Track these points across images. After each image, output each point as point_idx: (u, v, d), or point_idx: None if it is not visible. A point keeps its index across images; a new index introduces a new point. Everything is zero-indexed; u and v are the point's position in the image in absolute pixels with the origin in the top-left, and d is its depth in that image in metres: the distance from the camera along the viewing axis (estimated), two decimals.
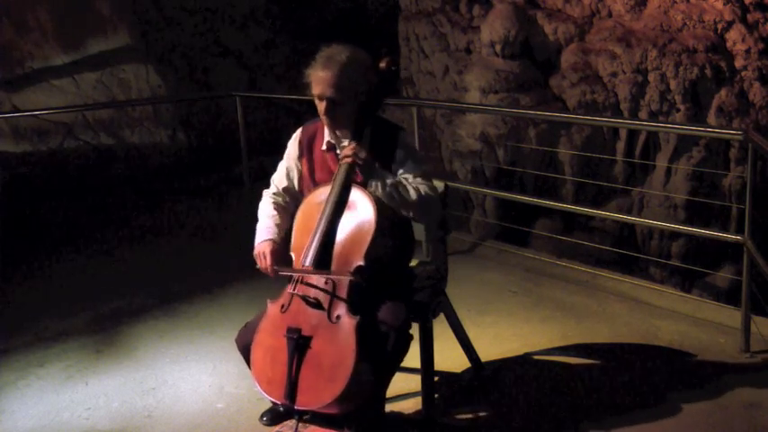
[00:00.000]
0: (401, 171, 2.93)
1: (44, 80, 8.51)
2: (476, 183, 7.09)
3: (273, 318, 2.81)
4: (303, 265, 2.80)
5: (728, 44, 6.78)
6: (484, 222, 6.97)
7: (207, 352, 4.04)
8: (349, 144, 2.87)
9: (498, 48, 7.30)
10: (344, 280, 2.74)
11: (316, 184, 3.03)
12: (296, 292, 2.79)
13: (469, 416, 3.25)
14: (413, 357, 2.96)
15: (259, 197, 3.22)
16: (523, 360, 3.74)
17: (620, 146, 6.93)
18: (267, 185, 3.24)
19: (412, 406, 3.28)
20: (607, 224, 6.92)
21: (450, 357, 3.61)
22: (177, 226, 6.76)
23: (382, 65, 3.01)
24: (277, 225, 3.06)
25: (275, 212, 3.10)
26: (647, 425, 3.10)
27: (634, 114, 6.82)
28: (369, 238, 2.76)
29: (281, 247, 2.95)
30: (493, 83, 7.17)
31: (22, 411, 3.56)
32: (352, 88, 2.86)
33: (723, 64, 6.68)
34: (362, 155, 2.81)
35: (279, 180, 3.18)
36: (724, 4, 6.80)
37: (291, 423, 2.88)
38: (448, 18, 7.90)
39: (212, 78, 9.76)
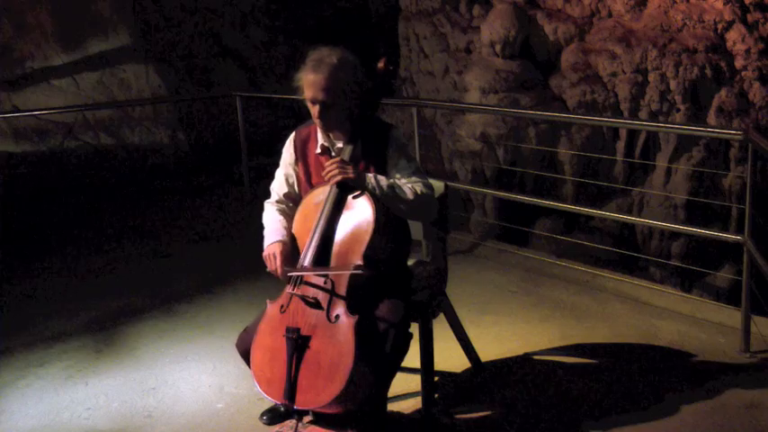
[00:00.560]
0: (395, 170, 2.93)
1: (44, 80, 8.50)
2: (476, 183, 7.09)
3: (273, 318, 2.81)
4: (302, 265, 2.80)
5: (728, 44, 6.78)
6: (484, 222, 6.97)
7: (207, 352, 4.04)
8: (331, 161, 2.84)
9: (498, 48, 7.30)
10: (346, 275, 2.74)
11: (313, 188, 3.02)
12: (295, 291, 2.79)
13: (469, 416, 3.25)
14: (413, 357, 2.96)
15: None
16: (523, 360, 3.74)
17: (620, 146, 6.93)
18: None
19: (412, 406, 3.28)
20: (607, 224, 6.92)
21: (450, 357, 3.61)
22: (177, 226, 6.77)
23: (380, 65, 3.01)
24: (285, 228, 3.04)
25: (281, 217, 3.08)
26: (647, 425, 3.10)
27: (634, 114, 6.82)
28: (367, 238, 2.76)
29: (290, 249, 2.94)
30: (493, 83, 7.17)
31: (22, 411, 3.56)
32: (344, 90, 2.86)
33: (723, 64, 6.68)
34: (350, 170, 2.80)
35: (279, 187, 3.17)
36: (724, 4, 6.80)
37: (291, 423, 2.89)
38: (448, 18, 7.90)
39: (212, 78, 9.76)
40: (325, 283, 2.76)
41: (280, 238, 2.99)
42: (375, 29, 10.32)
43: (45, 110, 8.09)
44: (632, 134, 6.90)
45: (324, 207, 2.84)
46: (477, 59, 7.48)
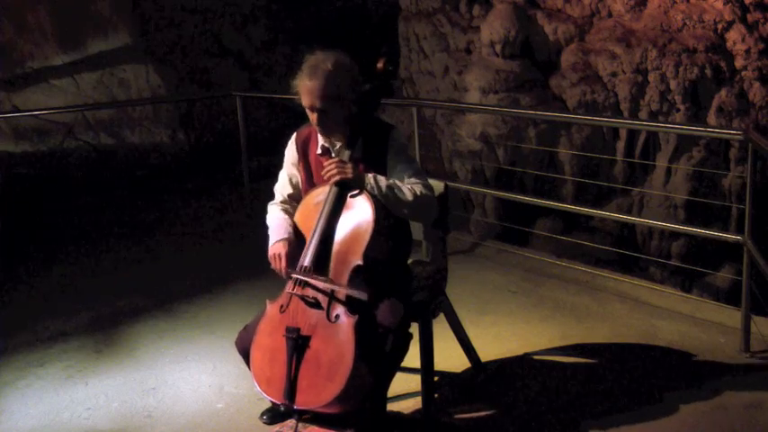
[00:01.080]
0: (395, 171, 2.93)
1: (44, 80, 8.51)
2: (476, 183, 7.09)
3: (272, 318, 2.81)
4: (303, 265, 2.81)
5: (728, 44, 6.78)
6: (484, 222, 6.97)
7: (207, 352, 4.04)
8: (330, 161, 2.85)
9: (498, 48, 7.30)
10: (345, 275, 2.74)
11: (313, 188, 3.02)
12: (295, 291, 2.79)
13: (469, 416, 3.25)
14: (413, 357, 2.96)
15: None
16: (523, 360, 3.74)
17: (620, 146, 6.93)
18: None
19: (412, 406, 3.28)
20: (607, 224, 6.91)
21: (450, 357, 3.61)
22: (177, 226, 6.77)
23: (379, 66, 3.01)
24: (290, 225, 3.04)
25: (285, 216, 3.09)
26: (647, 425, 3.10)
27: (634, 114, 6.82)
28: (367, 238, 2.76)
29: (295, 247, 2.95)
30: (493, 83, 7.16)
31: (22, 411, 3.56)
32: (341, 95, 2.86)
33: (723, 64, 6.67)
34: (348, 170, 2.80)
35: (282, 188, 3.18)
36: (724, 4, 6.79)
37: (291, 423, 2.89)
38: (448, 18, 7.90)
39: (212, 78, 9.76)
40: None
41: (285, 235, 2.99)
42: (375, 29, 10.32)
43: (45, 110, 8.09)
44: (632, 134, 6.90)
45: (323, 207, 2.84)
46: (477, 59, 7.48)
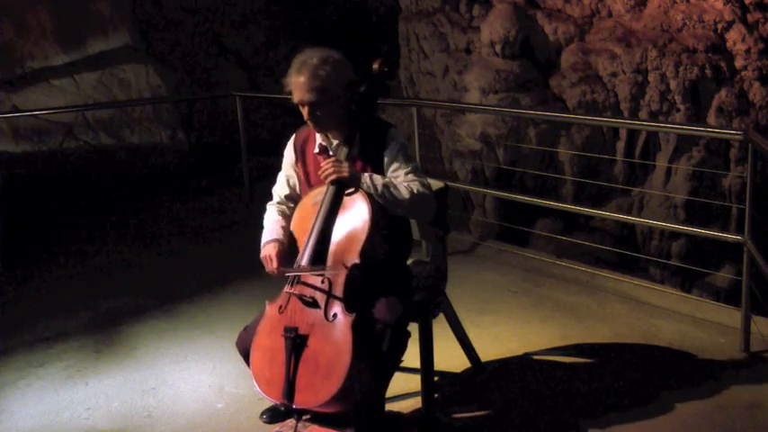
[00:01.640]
0: (392, 170, 2.93)
1: (44, 80, 8.50)
2: (476, 183, 7.09)
3: (271, 318, 2.82)
4: (300, 265, 2.81)
5: (728, 44, 6.78)
6: (484, 222, 6.97)
7: (207, 352, 4.04)
8: (326, 160, 2.85)
9: (498, 48, 7.30)
10: (342, 274, 2.74)
11: (311, 188, 3.03)
12: (293, 291, 2.80)
13: (469, 416, 3.25)
14: (413, 357, 2.96)
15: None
16: (523, 360, 3.74)
17: (620, 146, 6.93)
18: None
19: (412, 406, 3.28)
20: (607, 224, 6.91)
21: (450, 357, 3.61)
22: (177, 226, 6.77)
23: (375, 66, 3.01)
24: (282, 227, 3.07)
25: (280, 217, 3.11)
26: (647, 425, 3.10)
27: (634, 114, 6.82)
28: (364, 237, 2.77)
29: (288, 248, 2.96)
30: (493, 83, 7.17)
31: (22, 411, 3.56)
32: (329, 88, 2.88)
33: (723, 64, 6.67)
34: (344, 169, 2.81)
35: (280, 189, 3.20)
36: (724, 4, 6.79)
37: (291, 422, 2.89)
38: (448, 18, 7.90)
39: (212, 78, 9.76)
40: (322, 282, 2.77)
41: (276, 237, 3.01)
42: (375, 29, 10.32)
43: (45, 110, 8.09)
44: (632, 134, 6.89)
45: (320, 207, 2.85)
46: (477, 59, 7.48)
